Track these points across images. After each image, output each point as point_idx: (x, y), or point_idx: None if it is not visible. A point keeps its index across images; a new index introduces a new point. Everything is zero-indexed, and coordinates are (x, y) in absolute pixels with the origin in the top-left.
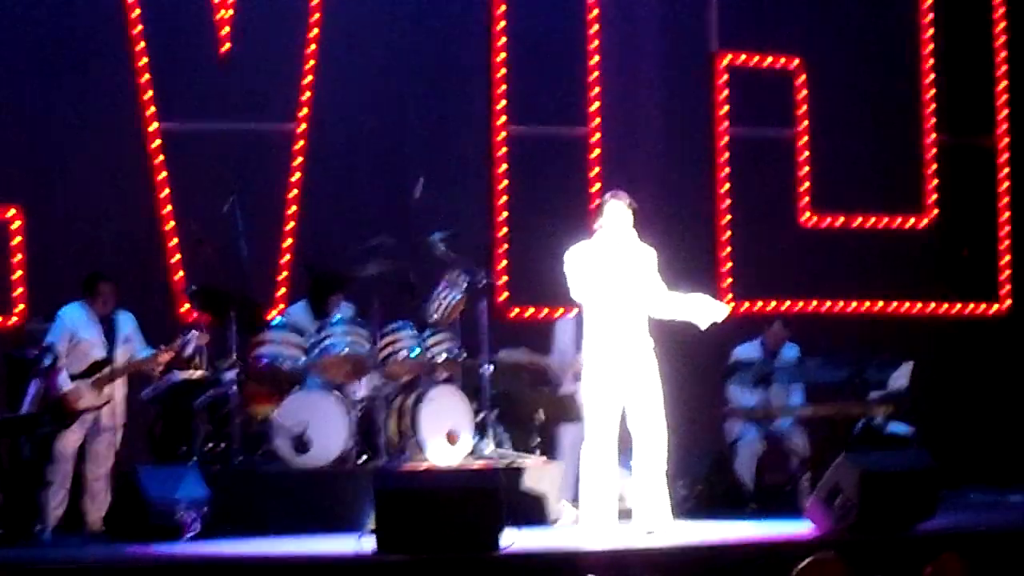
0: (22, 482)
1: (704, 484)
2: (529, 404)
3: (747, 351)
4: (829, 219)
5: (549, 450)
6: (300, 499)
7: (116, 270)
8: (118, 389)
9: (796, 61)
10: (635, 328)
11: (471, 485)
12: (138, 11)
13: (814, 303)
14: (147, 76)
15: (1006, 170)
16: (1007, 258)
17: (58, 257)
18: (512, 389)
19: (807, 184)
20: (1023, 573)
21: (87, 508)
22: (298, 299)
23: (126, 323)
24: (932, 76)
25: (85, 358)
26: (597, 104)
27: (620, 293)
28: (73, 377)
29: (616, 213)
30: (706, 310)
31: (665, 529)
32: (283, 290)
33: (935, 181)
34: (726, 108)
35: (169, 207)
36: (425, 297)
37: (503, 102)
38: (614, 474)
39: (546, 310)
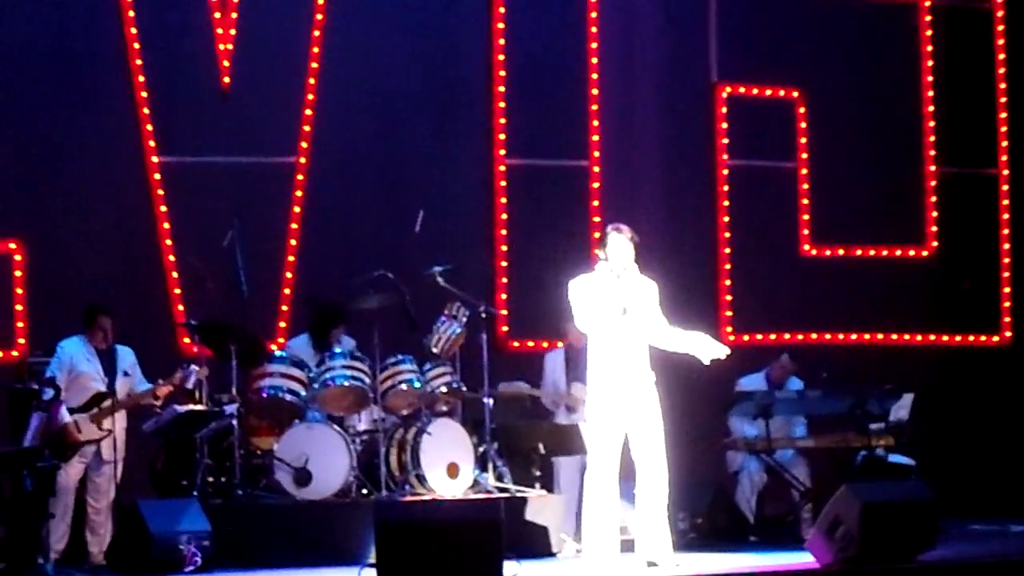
0: (25, 515)
1: (705, 516)
2: (529, 436)
3: (751, 383)
4: (830, 250)
5: (548, 482)
6: (301, 532)
7: (117, 304)
8: (118, 422)
9: (796, 92)
10: (637, 360)
11: (472, 517)
12: (139, 45)
13: (815, 334)
14: (147, 110)
15: (1007, 201)
16: (1008, 289)
17: (59, 290)
18: (512, 421)
19: (807, 215)
20: None
21: (89, 541)
22: (299, 332)
23: (125, 357)
24: (932, 107)
25: (84, 391)
26: (597, 136)
27: (622, 325)
28: (72, 410)
29: (618, 246)
30: (708, 348)
31: (667, 561)
32: (284, 323)
33: (936, 212)
34: (726, 139)
35: (169, 241)
36: (425, 330)
37: (503, 135)
38: (616, 506)
39: (546, 342)
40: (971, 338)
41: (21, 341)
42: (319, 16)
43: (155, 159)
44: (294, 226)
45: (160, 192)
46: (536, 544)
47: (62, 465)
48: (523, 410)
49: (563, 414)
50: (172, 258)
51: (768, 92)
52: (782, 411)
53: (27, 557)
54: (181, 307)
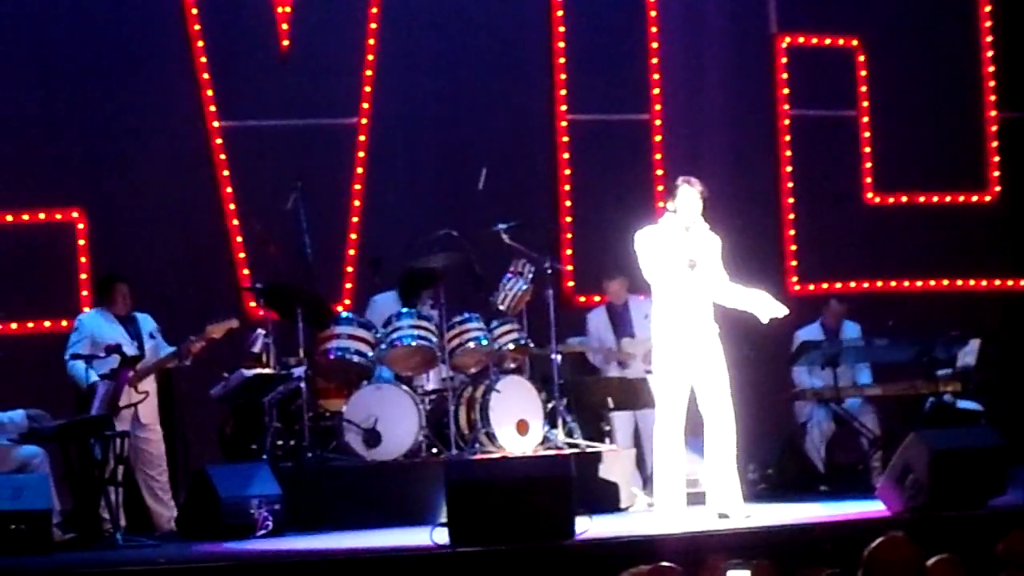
0: (94, 484)
1: (775, 467)
2: (598, 392)
3: (808, 334)
4: (893, 197)
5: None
6: (372, 493)
7: (181, 270)
8: (150, 386)
9: (855, 40)
10: (702, 313)
11: (543, 474)
12: (196, 10)
13: (880, 282)
14: (207, 75)
15: None
16: None
17: (122, 259)
18: (580, 377)
19: (870, 163)
20: None
21: (153, 509)
22: (372, 291)
23: (147, 322)
24: (991, 52)
25: (113, 358)
26: (658, 90)
27: (688, 278)
28: (104, 377)
29: (687, 199)
30: (768, 306)
31: (738, 512)
32: (349, 285)
33: (997, 156)
34: (787, 90)
35: (232, 205)
36: (492, 288)
37: (564, 91)
38: (684, 458)
39: (599, 296)
40: None
41: (86, 310)
42: None
43: (216, 124)
44: (357, 187)
45: (222, 157)
46: (607, 499)
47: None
48: (591, 365)
49: (615, 370)
50: (235, 222)
51: (827, 41)
52: (850, 359)
53: (96, 527)
54: (246, 271)
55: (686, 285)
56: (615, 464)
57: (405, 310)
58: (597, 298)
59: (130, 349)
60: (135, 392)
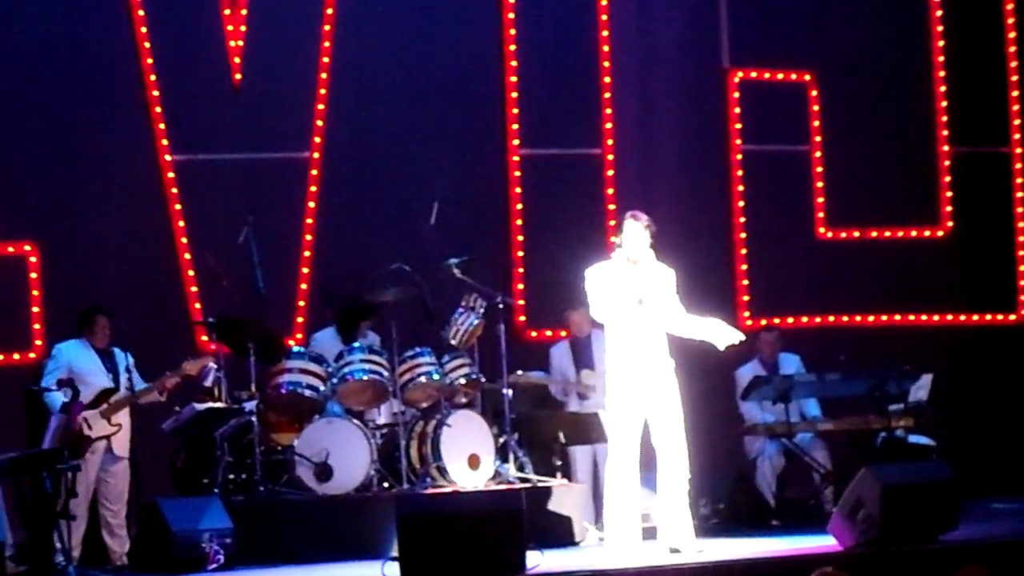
0: (45, 517)
1: (726, 502)
2: (549, 426)
3: (749, 371)
4: (845, 232)
5: (569, 472)
6: (323, 527)
7: (133, 303)
8: (124, 419)
9: (808, 75)
10: (655, 347)
11: (494, 508)
12: (149, 43)
13: (832, 316)
14: (160, 108)
15: (1021, 179)
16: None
17: (75, 292)
18: (532, 411)
19: (822, 198)
20: None
21: (108, 543)
22: (322, 326)
23: (123, 357)
24: (944, 86)
25: (90, 389)
26: (611, 125)
27: (640, 312)
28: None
29: (633, 233)
30: (723, 333)
31: (690, 547)
32: (301, 319)
33: (950, 192)
34: (739, 124)
35: (184, 239)
36: (443, 322)
37: (516, 125)
38: (637, 493)
39: (565, 331)
40: (988, 317)
41: (38, 343)
42: (330, 11)
43: (168, 157)
44: (309, 221)
45: (174, 190)
46: (558, 533)
47: (81, 467)
48: (542, 399)
49: (575, 403)
50: (187, 256)
51: (780, 76)
52: (801, 394)
53: (48, 560)
54: (198, 305)
55: (637, 320)
56: (566, 498)
57: (356, 345)
58: (548, 332)
59: (106, 381)
60: (109, 424)
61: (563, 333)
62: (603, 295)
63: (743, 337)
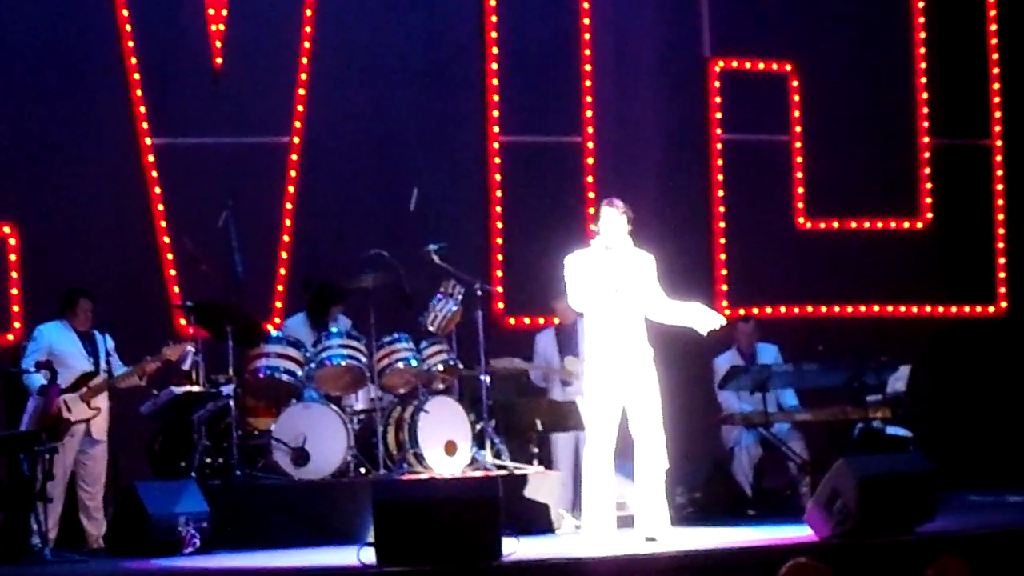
0: (22, 499)
1: (703, 491)
2: (527, 413)
3: (726, 360)
4: (824, 223)
5: (546, 459)
6: (299, 512)
7: (112, 286)
8: (103, 403)
9: (789, 66)
10: (633, 335)
11: (470, 495)
12: (130, 27)
13: (811, 307)
14: (140, 92)
15: (1001, 171)
16: (1003, 260)
17: (54, 274)
18: (510, 399)
19: (802, 188)
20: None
21: (85, 525)
22: (295, 312)
23: (104, 341)
24: (925, 78)
25: (70, 372)
26: (591, 112)
27: (617, 300)
28: (60, 391)
29: (608, 220)
30: (705, 318)
31: (666, 536)
32: (280, 303)
33: (930, 183)
34: (720, 114)
35: (164, 222)
36: (421, 308)
37: (496, 112)
38: (613, 481)
39: (543, 319)
40: (966, 309)
41: (16, 325)
42: None
43: (148, 141)
44: (288, 206)
45: (154, 174)
46: (535, 521)
47: (59, 449)
48: (520, 387)
49: (558, 390)
50: (167, 240)
51: (761, 66)
52: (779, 384)
53: (25, 542)
54: (176, 288)
55: (614, 308)
56: (543, 486)
57: (335, 330)
58: (527, 319)
59: (86, 364)
60: (88, 408)
61: (541, 320)
62: (581, 283)
63: (724, 321)
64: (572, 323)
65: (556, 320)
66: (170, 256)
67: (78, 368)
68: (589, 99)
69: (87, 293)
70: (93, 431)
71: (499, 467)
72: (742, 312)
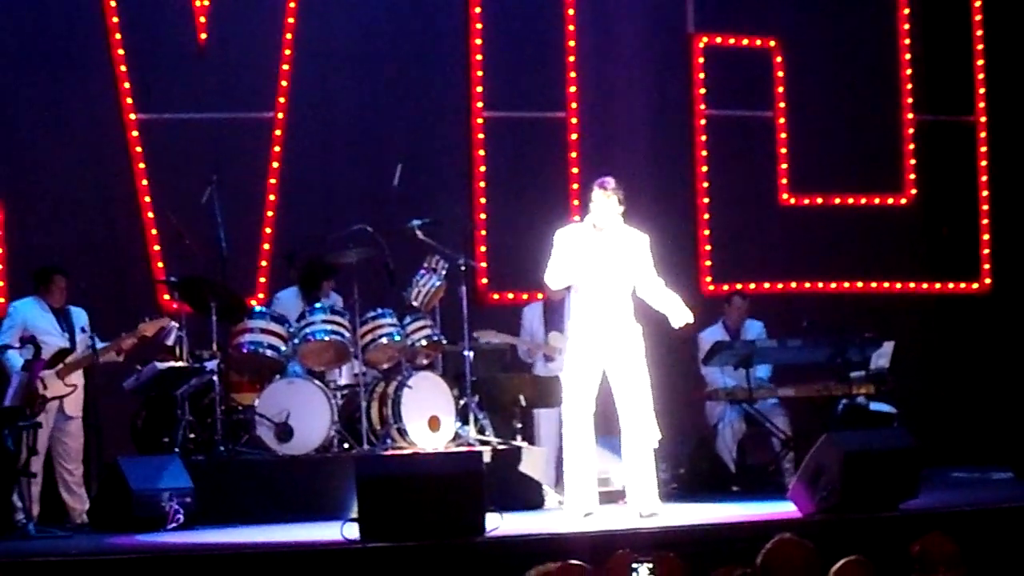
0: (7, 475)
1: (687, 467)
2: (510, 389)
3: (712, 335)
4: (808, 199)
5: (530, 435)
6: (283, 487)
7: (97, 262)
8: (79, 380)
9: (772, 41)
10: (620, 313)
11: (454, 470)
12: (115, 2)
13: (794, 283)
14: (124, 67)
15: (985, 148)
16: (987, 236)
17: (38, 249)
18: (493, 374)
19: (786, 164)
20: (1007, 550)
21: (67, 501)
22: (284, 286)
23: (80, 316)
24: (909, 54)
25: (46, 348)
26: (574, 88)
27: (601, 279)
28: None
29: (599, 201)
30: (677, 312)
31: (656, 511)
32: (263, 279)
33: (914, 160)
34: (704, 89)
35: (148, 198)
36: (405, 284)
37: (480, 87)
38: (594, 455)
39: (526, 294)
40: (950, 285)
41: (1, 300)
42: None
43: (133, 116)
44: (272, 181)
45: (138, 149)
46: (518, 496)
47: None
48: (504, 362)
49: (541, 365)
50: (151, 215)
51: (745, 42)
52: (763, 360)
53: (8, 518)
54: (160, 264)
55: (599, 286)
56: (527, 461)
57: (318, 305)
58: (510, 295)
59: (61, 341)
60: (64, 384)
61: (525, 296)
62: (560, 261)
63: (691, 320)
64: (560, 299)
65: (539, 296)
66: (154, 231)
67: (53, 345)
68: (573, 75)
69: (61, 269)
70: (67, 408)
71: (483, 443)
72: (726, 287)
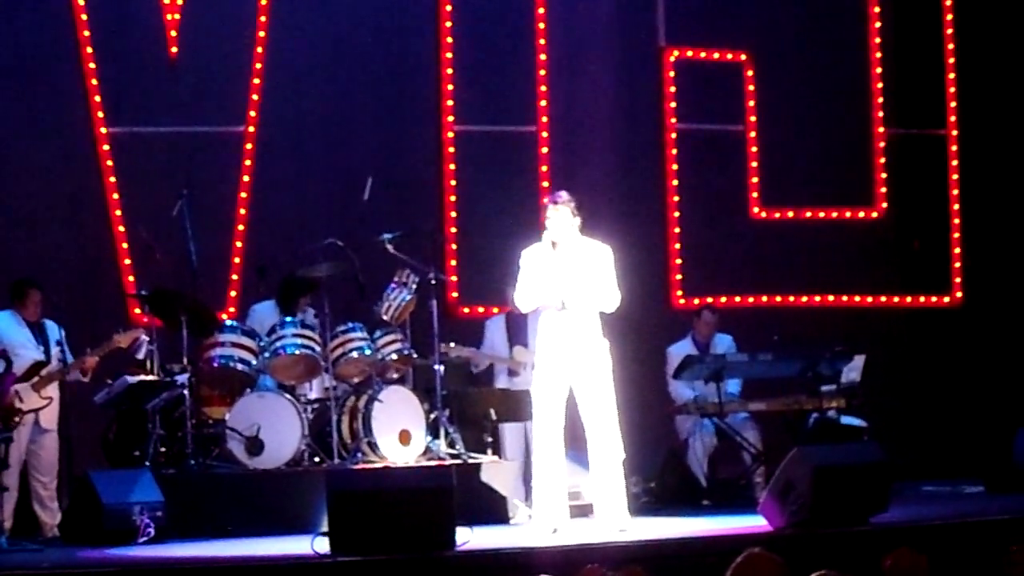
0: None
1: (657, 481)
2: (480, 403)
3: (681, 349)
4: (779, 212)
5: (500, 449)
6: (254, 501)
7: (67, 274)
8: (54, 392)
9: (743, 55)
10: (585, 328)
11: (424, 484)
12: (86, 15)
13: (765, 297)
14: (95, 80)
15: (956, 161)
16: (958, 250)
17: (7, 261)
18: (463, 388)
19: (757, 178)
20: (977, 564)
21: (40, 514)
22: (249, 301)
23: (54, 329)
24: (880, 68)
25: (21, 361)
26: (545, 102)
27: (563, 295)
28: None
29: (555, 217)
30: None
31: (623, 525)
32: (234, 292)
33: (885, 173)
34: (674, 103)
35: (119, 211)
36: (375, 298)
37: (451, 101)
38: (564, 469)
39: (497, 308)
40: (922, 299)
41: None
42: None
43: (104, 130)
44: (243, 195)
45: (109, 163)
46: (488, 510)
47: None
48: (474, 376)
49: (504, 378)
50: (122, 229)
51: (716, 55)
52: (733, 374)
53: None
54: (131, 278)
55: (561, 303)
56: (497, 475)
57: (289, 319)
58: (481, 309)
59: (36, 354)
60: (39, 397)
61: (496, 310)
62: (526, 285)
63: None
64: (523, 313)
65: (496, 309)
66: (125, 245)
67: (28, 357)
68: (543, 88)
69: (36, 283)
70: (42, 421)
71: (453, 456)
72: (696, 301)
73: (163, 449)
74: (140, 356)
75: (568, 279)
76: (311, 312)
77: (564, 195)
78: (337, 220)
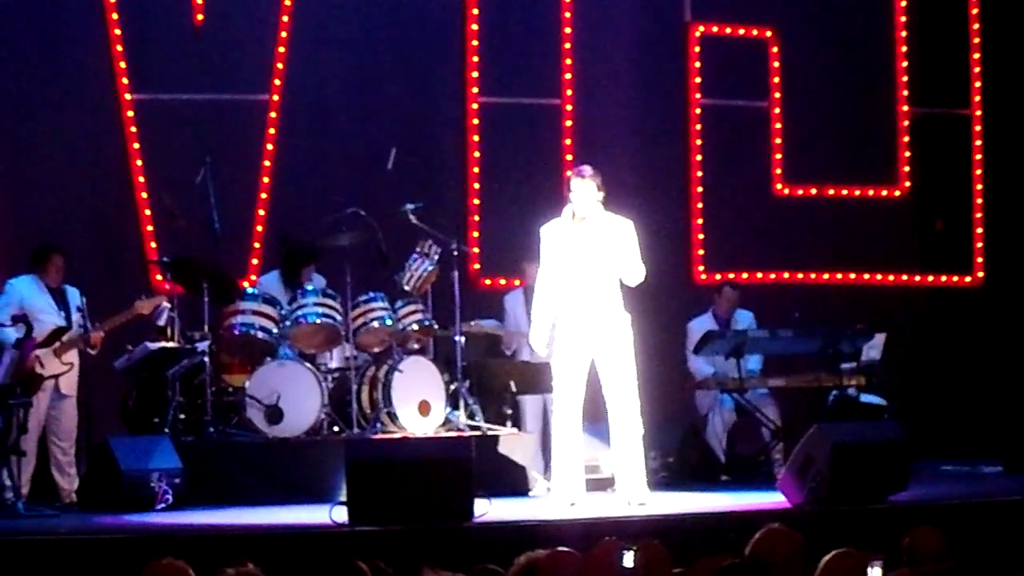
0: None
1: (676, 456)
2: (501, 374)
3: (701, 324)
4: (802, 189)
5: (520, 421)
6: (272, 469)
7: (90, 241)
8: (74, 358)
9: (769, 32)
10: (606, 301)
11: (443, 455)
12: None
13: (787, 273)
14: (120, 47)
15: (979, 141)
16: (981, 229)
17: (32, 228)
18: (484, 360)
19: (780, 154)
20: (996, 544)
21: (58, 480)
22: (270, 269)
23: (75, 295)
24: (905, 46)
25: (42, 327)
26: (570, 75)
27: (586, 268)
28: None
29: (578, 190)
30: None
31: (643, 500)
32: (256, 260)
33: (908, 152)
34: (699, 79)
35: (142, 178)
36: (397, 268)
37: (476, 73)
38: (582, 442)
39: (518, 280)
40: (943, 278)
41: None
42: None
43: (128, 96)
44: (267, 163)
45: (133, 129)
46: (507, 482)
47: (33, 403)
48: (494, 348)
49: (526, 351)
50: (144, 195)
51: (741, 31)
52: (755, 350)
53: None
54: (154, 244)
55: (582, 277)
56: (516, 448)
57: (310, 288)
58: (502, 281)
59: (57, 320)
60: (60, 363)
61: (517, 282)
62: (549, 264)
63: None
64: None
65: (516, 282)
66: (147, 212)
67: (49, 323)
68: (568, 62)
69: (59, 249)
70: (62, 386)
71: (472, 428)
72: (718, 276)
73: (182, 416)
74: (161, 323)
75: (591, 253)
76: (320, 278)
77: (589, 169)
78: (360, 189)
